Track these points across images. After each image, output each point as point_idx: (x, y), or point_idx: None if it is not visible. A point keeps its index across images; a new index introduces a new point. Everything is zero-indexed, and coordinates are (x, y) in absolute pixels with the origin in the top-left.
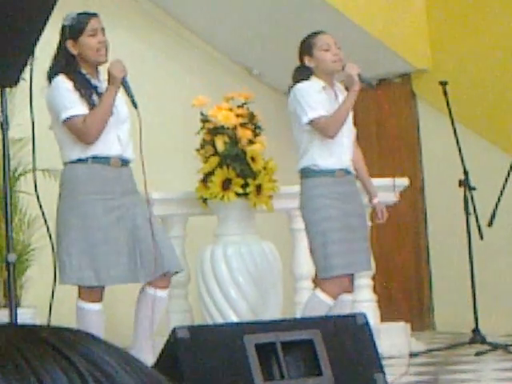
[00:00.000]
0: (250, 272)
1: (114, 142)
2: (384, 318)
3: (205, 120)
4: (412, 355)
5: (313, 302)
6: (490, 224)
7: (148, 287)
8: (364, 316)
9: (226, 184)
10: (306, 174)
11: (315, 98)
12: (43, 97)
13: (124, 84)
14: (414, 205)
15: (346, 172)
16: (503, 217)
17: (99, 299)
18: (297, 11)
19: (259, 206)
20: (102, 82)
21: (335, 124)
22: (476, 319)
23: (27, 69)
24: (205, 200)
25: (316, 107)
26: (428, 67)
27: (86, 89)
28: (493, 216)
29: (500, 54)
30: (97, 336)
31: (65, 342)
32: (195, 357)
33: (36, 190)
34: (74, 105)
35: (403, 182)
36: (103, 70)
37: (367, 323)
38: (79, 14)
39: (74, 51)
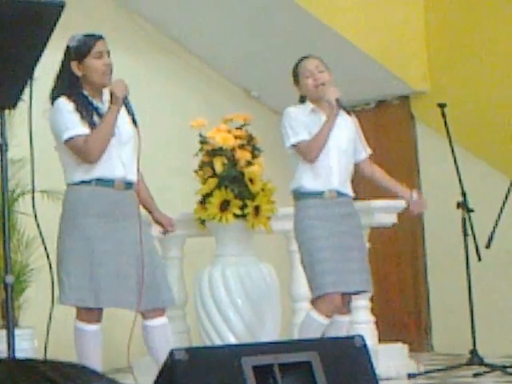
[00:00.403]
0: (248, 293)
1: (117, 164)
2: (382, 339)
3: (203, 141)
4: (410, 376)
5: (307, 322)
6: (488, 246)
7: (145, 321)
8: (362, 338)
9: (225, 205)
10: (295, 196)
11: (300, 123)
12: (46, 118)
13: (125, 103)
14: (412, 226)
15: (338, 193)
16: (501, 239)
17: (97, 320)
18: (296, 33)
19: (257, 227)
20: (104, 104)
21: (314, 148)
22: (474, 340)
23: (27, 90)
24: (203, 221)
25: (299, 131)
26: (427, 89)
27: (87, 110)
28: (491, 238)
29: (499, 76)
30: (96, 371)
31: (64, 378)
32: (193, 379)
33: (34, 211)
34: (76, 125)
35: (401, 203)
36: (106, 91)
37: (365, 345)
38: (85, 35)
39: (79, 72)
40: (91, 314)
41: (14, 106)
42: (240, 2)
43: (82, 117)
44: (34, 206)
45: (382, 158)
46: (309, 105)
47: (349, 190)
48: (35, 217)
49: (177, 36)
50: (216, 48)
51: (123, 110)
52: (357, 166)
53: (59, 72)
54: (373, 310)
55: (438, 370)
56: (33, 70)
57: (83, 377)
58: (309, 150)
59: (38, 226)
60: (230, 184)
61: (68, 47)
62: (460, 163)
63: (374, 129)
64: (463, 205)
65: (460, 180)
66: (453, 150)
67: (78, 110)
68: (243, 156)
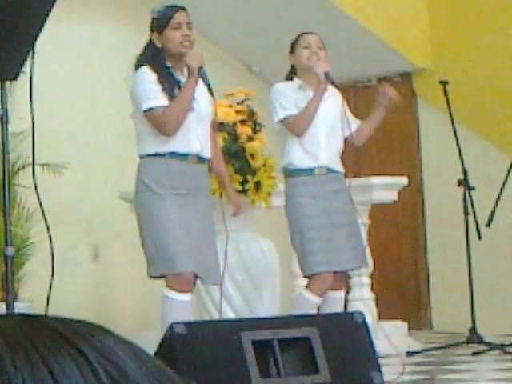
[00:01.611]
0: (247, 269)
1: (193, 139)
2: (381, 316)
3: None
4: (409, 354)
5: (300, 301)
6: (489, 224)
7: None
8: (361, 314)
9: None
10: (286, 173)
11: (288, 98)
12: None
13: (201, 74)
14: (413, 204)
15: (328, 170)
16: (502, 217)
17: (189, 289)
18: (298, 9)
19: (258, 202)
20: (185, 77)
21: (302, 122)
22: (473, 319)
23: (28, 62)
24: None
25: (287, 107)
26: (429, 66)
27: (169, 82)
28: (491, 216)
29: (501, 54)
30: (107, 328)
31: (76, 334)
32: (192, 353)
33: (35, 185)
34: (156, 96)
35: (402, 180)
36: None
37: (365, 321)
38: (166, 6)
39: (159, 44)
40: (184, 282)
41: (14, 77)
42: None
43: (164, 88)
44: (34, 177)
45: (383, 135)
46: (296, 81)
47: (339, 166)
48: (36, 192)
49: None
50: (217, 23)
51: (202, 85)
52: (347, 140)
53: (145, 44)
54: (372, 288)
55: (437, 348)
56: (34, 42)
57: (97, 335)
58: (296, 124)
59: (38, 196)
60: (231, 159)
61: (152, 19)
62: (461, 141)
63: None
64: (464, 183)
65: (461, 158)
66: (454, 128)
67: (160, 81)
68: (244, 131)
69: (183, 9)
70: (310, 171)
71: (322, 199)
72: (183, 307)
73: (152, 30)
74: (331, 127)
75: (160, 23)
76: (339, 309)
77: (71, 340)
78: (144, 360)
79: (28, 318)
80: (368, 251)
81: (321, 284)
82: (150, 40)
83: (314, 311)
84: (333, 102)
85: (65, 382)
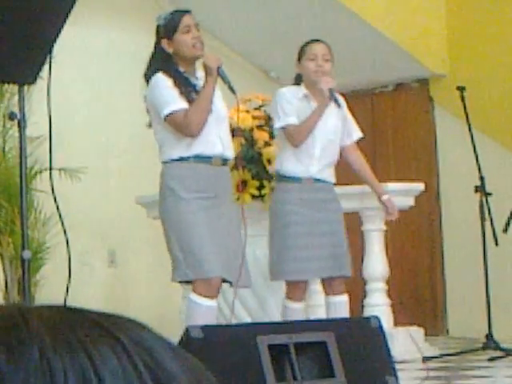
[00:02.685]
0: (264, 275)
1: (215, 141)
2: (397, 322)
3: None
4: (425, 360)
5: (285, 311)
6: (506, 230)
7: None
8: (377, 319)
9: (242, 186)
10: (277, 177)
11: (291, 106)
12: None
13: (220, 73)
14: (430, 210)
15: (316, 180)
16: None
17: (216, 295)
18: (316, 14)
19: None
20: (198, 80)
21: (300, 134)
22: (489, 325)
23: (45, 67)
24: None
25: (289, 114)
26: (446, 72)
27: (185, 87)
28: (508, 222)
29: None
30: (144, 323)
31: (115, 325)
32: (208, 356)
33: (52, 189)
34: (175, 100)
35: (419, 186)
36: (199, 67)
37: (381, 326)
38: (171, 12)
39: (170, 49)
40: (211, 286)
41: (32, 81)
42: None
43: (181, 92)
44: (51, 181)
45: (400, 141)
46: (302, 89)
47: (328, 177)
48: (54, 196)
49: (195, 15)
50: (235, 29)
51: (216, 87)
52: (341, 150)
53: (152, 52)
54: (389, 293)
55: (454, 354)
56: (52, 46)
57: (135, 328)
58: (295, 135)
59: (55, 200)
60: (248, 164)
61: (157, 26)
62: (478, 147)
63: (393, 112)
64: (481, 189)
65: (478, 164)
66: (471, 134)
67: (177, 85)
68: (261, 137)
69: (188, 12)
70: (298, 179)
71: (307, 207)
72: (209, 313)
73: (160, 37)
74: (329, 141)
75: (169, 29)
76: (344, 313)
77: (110, 330)
78: (181, 355)
79: (69, 308)
80: (349, 259)
81: (297, 291)
82: (156, 48)
83: (302, 317)
84: (334, 116)
85: (103, 368)
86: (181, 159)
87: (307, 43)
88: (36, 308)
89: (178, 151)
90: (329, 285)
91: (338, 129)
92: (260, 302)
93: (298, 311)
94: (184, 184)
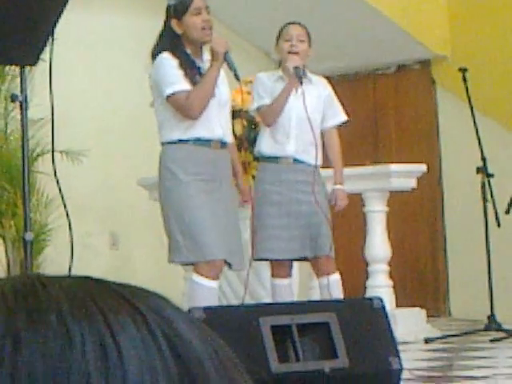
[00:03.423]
0: None
1: (215, 125)
2: (399, 303)
3: None
4: (427, 341)
5: (274, 289)
6: (508, 211)
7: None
8: (380, 300)
9: (244, 167)
10: (257, 158)
11: (265, 88)
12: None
13: (226, 59)
14: (432, 191)
15: (295, 160)
16: None
17: (218, 276)
18: None
19: None
20: (204, 63)
21: (270, 114)
22: (492, 306)
23: (47, 49)
24: None
25: (262, 96)
26: (448, 53)
27: (190, 69)
28: (510, 203)
29: None
30: (166, 297)
31: (135, 295)
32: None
33: (55, 171)
34: (179, 81)
35: (421, 168)
36: (206, 50)
37: (383, 307)
38: None
39: (179, 30)
40: (213, 268)
41: (34, 63)
42: None
43: (186, 74)
44: (53, 164)
45: (402, 122)
46: (278, 72)
47: (309, 158)
48: (56, 179)
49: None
50: (236, 10)
51: (222, 72)
52: (322, 132)
53: (161, 31)
54: (391, 275)
55: (456, 335)
56: (53, 27)
57: (155, 299)
58: (266, 115)
59: (58, 183)
60: (250, 146)
61: (168, 6)
62: (480, 128)
63: (395, 93)
64: (483, 170)
65: (480, 145)
66: (473, 115)
67: (182, 66)
68: None
69: None
70: (275, 159)
71: (285, 188)
72: (211, 294)
73: (170, 16)
74: (305, 120)
75: (179, 9)
76: (337, 292)
77: (129, 299)
78: (198, 326)
79: (89, 278)
80: (331, 239)
81: (281, 268)
82: (165, 27)
83: (290, 293)
84: (314, 95)
85: (121, 336)
86: (180, 141)
87: (284, 26)
88: (56, 277)
89: (178, 133)
90: (315, 266)
91: (315, 109)
92: (261, 283)
93: (285, 287)
94: (183, 167)
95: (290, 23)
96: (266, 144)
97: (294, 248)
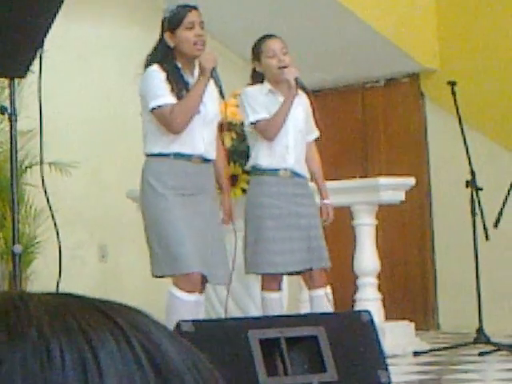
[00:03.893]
0: None
1: (198, 141)
2: (388, 316)
3: None
4: (416, 354)
5: (264, 303)
6: (496, 225)
7: (199, 296)
8: (368, 313)
9: (233, 180)
10: (252, 172)
11: (259, 102)
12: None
13: (213, 75)
14: (420, 204)
15: (293, 173)
16: (509, 218)
17: (197, 290)
18: (304, 7)
19: None
20: (194, 78)
21: (273, 127)
22: (480, 319)
23: (36, 61)
24: None
25: (258, 110)
26: (437, 67)
27: (177, 83)
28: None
29: (510, 55)
30: (147, 312)
31: (114, 310)
32: (199, 351)
33: (43, 183)
34: (165, 94)
35: (410, 181)
36: (197, 66)
37: (372, 320)
38: (179, 6)
39: (171, 43)
40: (192, 281)
41: (23, 75)
42: None
43: (172, 88)
44: (42, 176)
45: (391, 135)
46: (266, 85)
47: (304, 171)
48: (45, 191)
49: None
50: (224, 22)
51: (211, 87)
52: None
53: (156, 43)
54: (380, 288)
55: (444, 349)
56: (43, 39)
57: (134, 314)
58: (268, 129)
59: (46, 192)
60: (239, 159)
61: (163, 18)
62: (469, 142)
63: (383, 107)
64: (472, 183)
65: (469, 158)
66: (462, 129)
67: (169, 80)
68: None
69: (195, 8)
70: (275, 172)
71: (284, 201)
72: (189, 307)
73: (164, 29)
74: (299, 131)
75: (173, 22)
76: (328, 305)
77: (108, 314)
78: (177, 340)
79: (69, 294)
80: (327, 252)
81: (272, 282)
82: (160, 39)
83: (280, 306)
84: (302, 106)
85: (100, 350)
86: (161, 155)
87: (261, 40)
88: (36, 293)
89: (159, 147)
90: (309, 278)
91: (304, 117)
92: (251, 296)
93: (275, 301)
94: (162, 180)
95: (265, 37)
96: (264, 157)
97: (296, 261)
